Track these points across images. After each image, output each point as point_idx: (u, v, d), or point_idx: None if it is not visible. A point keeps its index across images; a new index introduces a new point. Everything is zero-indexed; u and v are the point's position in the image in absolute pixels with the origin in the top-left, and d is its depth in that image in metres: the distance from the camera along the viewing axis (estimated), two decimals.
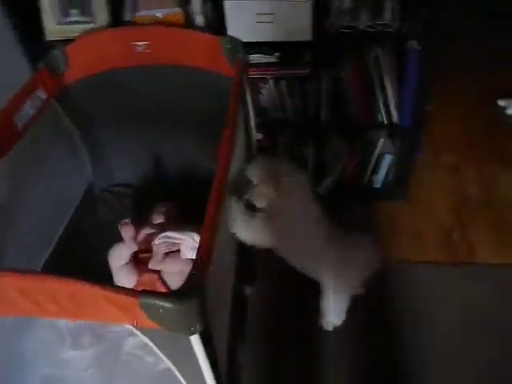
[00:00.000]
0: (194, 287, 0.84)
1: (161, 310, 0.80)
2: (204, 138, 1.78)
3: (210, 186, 1.79)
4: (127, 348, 1.05)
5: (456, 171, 2.24)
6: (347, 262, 1.41)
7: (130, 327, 0.86)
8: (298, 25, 1.56)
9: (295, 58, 1.73)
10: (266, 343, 1.61)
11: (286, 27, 1.57)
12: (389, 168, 2.02)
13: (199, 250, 0.94)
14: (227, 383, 1.17)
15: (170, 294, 0.81)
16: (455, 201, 2.09)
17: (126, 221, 1.51)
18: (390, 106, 1.79)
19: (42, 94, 1.57)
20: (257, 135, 1.91)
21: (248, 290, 1.75)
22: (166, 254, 1.52)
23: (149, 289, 1.46)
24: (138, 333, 0.89)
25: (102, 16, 1.72)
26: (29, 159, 1.45)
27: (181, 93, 1.70)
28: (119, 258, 1.49)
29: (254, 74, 1.74)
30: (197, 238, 1.55)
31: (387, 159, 1.99)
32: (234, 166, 1.45)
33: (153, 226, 1.58)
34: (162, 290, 1.42)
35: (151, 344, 0.92)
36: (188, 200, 1.74)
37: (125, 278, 1.48)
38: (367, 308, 1.61)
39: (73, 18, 1.74)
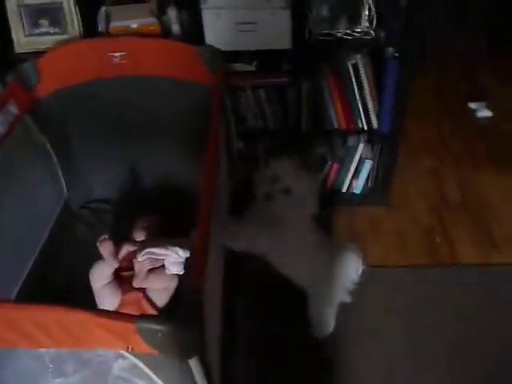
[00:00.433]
0: (192, 310, 0.80)
1: (159, 334, 0.76)
2: (185, 148, 1.76)
3: (192, 197, 1.76)
4: (116, 372, 1.00)
5: (434, 174, 2.27)
6: (333, 270, 1.41)
7: (121, 351, 0.82)
8: (278, 33, 1.55)
9: (274, 67, 1.72)
10: (257, 355, 1.58)
11: (265, 36, 1.56)
12: (369, 173, 2.04)
13: (193, 272, 0.90)
14: None
15: (168, 319, 0.77)
16: (435, 203, 2.12)
17: (105, 237, 1.45)
18: (369, 112, 1.80)
19: (13, 109, 1.51)
20: (237, 144, 1.90)
21: (237, 301, 1.72)
22: (150, 271, 1.47)
23: (134, 307, 1.43)
24: (130, 356, 0.84)
25: (73, 27, 1.66)
26: None
27: (159, 104, 1.67)
28: (101, 276, 1.43)
29: (232, 82, 1.72)
30: (181, 252, 1.51)
31: (367, 165, 2.00)
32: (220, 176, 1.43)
33: (134, 242, 1.53)
34: (148, 308, 1.38)
35: (144, 367, 0.88)
36: (170, 212, 1.71)
37: (107, 298, 1.42)
38: (355, 314, 1.60)
39: (43, 30, 1.68)
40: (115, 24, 1.60)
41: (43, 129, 1.65)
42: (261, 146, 1.95)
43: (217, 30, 1.56)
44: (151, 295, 1.41)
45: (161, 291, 1.44)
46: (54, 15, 1.64)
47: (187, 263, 1.51)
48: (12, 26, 1.66)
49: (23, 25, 1.66)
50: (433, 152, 2.39)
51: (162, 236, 1.61)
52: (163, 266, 1.50)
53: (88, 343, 0.80)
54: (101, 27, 1.61)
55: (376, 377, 1.52)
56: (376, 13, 1.57)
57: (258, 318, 1.66)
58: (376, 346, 1.58)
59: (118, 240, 1.47)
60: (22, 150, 1.56)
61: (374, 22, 1.59)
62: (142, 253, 1.47)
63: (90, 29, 1.66)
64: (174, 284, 1.48)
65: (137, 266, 1.44)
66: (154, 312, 1.37)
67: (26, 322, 0.74)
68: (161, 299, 1.42)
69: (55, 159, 1.75)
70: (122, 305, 1.37)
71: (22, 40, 1.69)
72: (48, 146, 1.71)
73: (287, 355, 1.57)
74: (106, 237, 1.44)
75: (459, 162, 2.34)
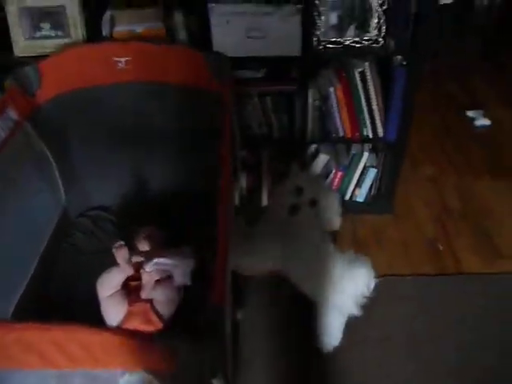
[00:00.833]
0: (215, 327, 0.77)
1: (181, 353, 0.73)
2: (187, 156, 1.72)
3: (194, 204, 1.73)
4: None
5: (435, 183, 2.28)
6: (344, 283, 1.38)
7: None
8: (288, 40, 1.54)
9: (282, 74, 1.71)
10: (263, 368, 1.54)
11: (275, 42, 1.54)
12: (372, 182, 2.03)
13: (214, 291, 0.85)
14: None
15: (190, 338, 0.73)
16: (437, 212, 2.12)
17: (121, 243, 1.42)
18: (375, 120, 1.79)
19: (13, 115, 1.46)
20: (241, 152, 1.87)
21: (240, 315, 1.68)
22: (157, 282, 1.44)
23: (141, 318, 1.38)
24: (145, 374, 0.81)
25: (76, 31, 1.62)
26: None
27: (164, 110, 1.64)
28: (110, 285, 1.40)
29: (239, 89, 1.69)
30: (189, 262, 1.48)
31: (371, 173, 1.99)
32: None
33: (140, 253, 1.49)
34: (155, 319, 1.35)
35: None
36: (171, 220, 1.67)
37: (114, 308, 1.38)
38: (358, 323, 1.58)
39: (44, 33, 1.64)
40: (120, 28, 1.56)
41: (42, 135, 1.60)
42: (265, 154, 1.93)
43: (225, 36, 1.54)
44: (158, 306, 1.38)
45: (167, 302, 1.41)
46: (56, 18, 1.60)
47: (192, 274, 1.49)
48: (11, 28, 1.61)
49: (23, 28, 1.61)
50: (433, 161, 2.40)
51: (165, 246, 1.57)
52: (169, 276, 1.47)
53: (107, 363, 0.76)
54: (105, 31, 1.57)
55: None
56: (385, 21, 1.57)
57: (264, 330, 1.63)
58: (379, 355, 1.57)
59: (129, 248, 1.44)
60: (20, 156, 1.50)
61: (383, 30, 1.59)
62: (150, 263, 1.43)
63: (93, 33, 1.62)
64: (180, 295, 1.45)
65: (144, 277, 1.40)
66: (160, 323, 1.34)
67: (45, 344, 0.70)
68: (167, 311, 1.39)
69: (54, 166, 1.70)
70: (128, 316, 1.33)
71: (21, 43, 1.64)
72: (47, 152, 1.66)
73: (293, 368, 1.54)
74: (123, 243, 1.41)
75: (459, 171, 2.35)
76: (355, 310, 1.39)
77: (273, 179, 1.99)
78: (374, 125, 1.81)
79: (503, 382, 1.52)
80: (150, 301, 1.38)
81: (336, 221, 1.31)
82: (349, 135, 1.83)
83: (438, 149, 2.47)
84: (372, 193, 2.09)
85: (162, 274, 1.45)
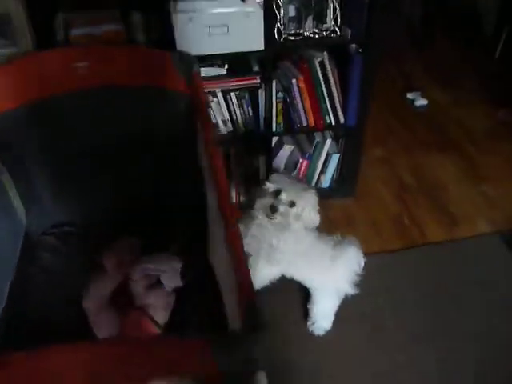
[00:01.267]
0: (259, 324, 0.77)
1: (231, 351, 0.73)
2: (158, 161, 1.68)
3: (162, 212, 1.69)
4: None
5: (388, 162, 2.41)
6: (337, 264, 1.43)
7: None
8: (252, 35, 1.55)
9: (244, 69, 1.72)
10: None
11: (238, 38, 1.54)
12: (335, 167, 2.11)
13: (243, 289, 0.85)
14: None
15: (242, 335, 0.73)
16: (396, 189, 2.25)
17: (107, 249, 1.37)
18: (336, 108, 1.86)
19: None
20: None
21: None
22: (148, 288, 1.41)
23: (137, 327, 1.34)
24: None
25: (25, 38, 1.52)
26: None
27: (131, 116, 1.58)
28: (100, 294, 1.34)
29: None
30: (175, 264, 1.46)
31: (334, 158, 2.06)
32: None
33: (123, 261, 1.46)
34: (151, 326, 1.32)
35: None
36: (139, 230, 1.62)
37: (107, 321, 1.33)
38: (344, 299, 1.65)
39: None
40: (76, 32, 1.49)
41: None
42: (232, 151, 1.93)
43: (188, 34, 1.52)
44: (152, 313, 1.35)
45: (161, 308, 1.39)
46: (1, 26, 1.48)
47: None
48: None
49: None
50: (382, 142, 2.53)
51: (142, 253, 1.54)
52: (159, 281, 1.44)
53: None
54: (59, 36, 1.48)
55: (363, 354, 1.60)
56: (340, 11, 1.63)
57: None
58: (365, 326, 1.66)
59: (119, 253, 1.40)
60: None
61: (339, 21, 1.65)
62: (137, 271, 1.40)
63: (44, 38, 1.52)
64: (172, 299, 1.42)
65: (133, 285, 1.37)
66: (157, 330, 1.31)
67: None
68: (162, 316, 1.36)
69: (12, 186, 1.59)
70: (124, 327, 1.29)
71: None
72: (3, 169, 1.54)
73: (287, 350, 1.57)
74: (110, 249, 1.37)
75: (408, 148, 2.50)
76: (350, 289, 1.45)
77: (241, 175, 2.00)
78: (335, 112, 1.87)
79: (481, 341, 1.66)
80: (143, 309, 1.35)
81: (316, 217, 1.38)
82: (312, 124, 1.89)
83: (385, 130, 2.61)
84: (334, 178, 2.16)
85: (150, 280, 1.42)
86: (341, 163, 2.11)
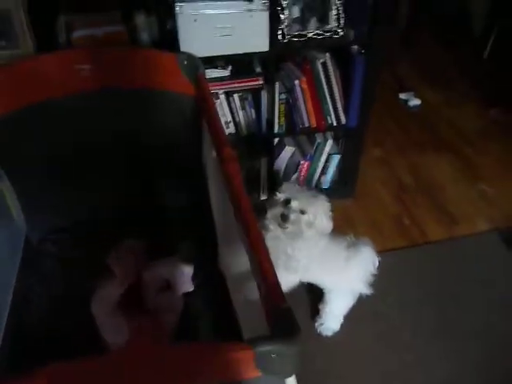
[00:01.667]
0: (294, 326, 0.76)
1: (273, 355, 0.71)
2: (161, 163, 1.66)
3: (170, 216, 1.67)
4: None
5: (385, 163, 2.43)
6: (350, 265, 1.43)
7: None
8: (256, 35, 1.54)
9: (247, 71, 1.71)
10: None
11: (243, 39, 1.53)
12: (336, 168, 2.11)
13: (273, 294, 0.83)
14: None
15: (283, 338, 0.72)
16: (395, 189, 2.27)
17: (117, 254, 1.34)
18: (338, 109, 1.87)
19: None
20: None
21: None
22: (158, 292, 1.39)
23: (147, 333, 1.32)
24: None
25: (25, 39, 1.48)
26: None
27: (136, 119, 1.56)
28: (109, 299, 1.32)
29: None
30: (187, 269, 1.44)
31: (335, 159, 2.07)
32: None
33: (132, 265, 1.43)
34: (160, 331, 1.29)
35: None
36: (143, 234, 1.60)
37: (116, 327, 1.30)
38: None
39: None
40: (79, 33, 1.46)
41: None
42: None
43: (193, 35, 1.50)
44: (161, 317, 1.33)
45: (170, 313, 1.37)
46: (2, 28, 1.44)
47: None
48: None
49: None
50: (379, 142, 2.54)
51: (149, 258, 1.52)
52: (169, 285, 1.42)
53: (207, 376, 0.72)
54: (61, 38, 1.45)
55: (371, 353, 1.61)
56: (344, 12, 1.63)
57: None
58: (370, 326, 1.67)
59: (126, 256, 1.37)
60: None
61: (342, 22, 1.65)
62: (149, 274, 1.38)
63: (45, 41, 1.49)
64: (181, 303, 1.41)
65: (145, 289, 1.34)
66: (167, 334, 1.29)
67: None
68: (171, 319, 1.34)
69: (12, 191, 1.55)
70: (134, 332, 1.27)
71: None
72: (3, 175, 1.51)
73: None
74: (121, 251, 1.34)
75: (404, 149, 2.52)
76: (365, 289, 1.45)
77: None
78: (337, 113, 1.88)
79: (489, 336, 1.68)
80: (153, 313, 1.33)
81: (328, 224, 1.38)
82: (314, 125, 1.89)
83: (381, 130, 2.63)
84: (334, 179, 2.17)
85: (161, 283, 1.40)
86: (341, 164, 2.11)
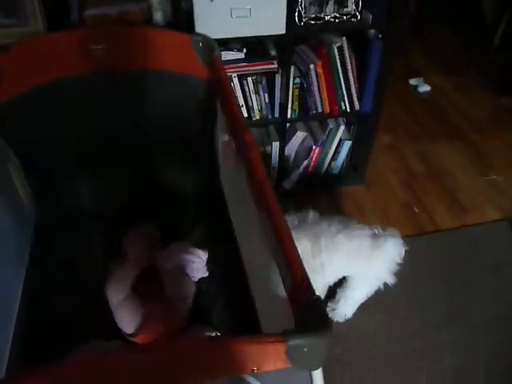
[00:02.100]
0: (326, 318, 0.75)
1: (305, 349, 0.71)
2: (175, 150, 1.63)
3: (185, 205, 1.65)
4: None
5: (395, 150, 2.41)
6: (376, 254, 1.42)
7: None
8: (273, 17, 1.50)
9: (262, 54, 1.67)
10: None
11: (260, 21, 1.49)
12: (346, 154, 2.09)
13: (301, 286, 0.82)
14: None
15: (315, 331, 0.71)
16: (405, 177, 2.25)
17: (133, 235, 1.33)
18: (352, 94, 1.84)
19: None
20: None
21: None
22: (175, 278, 1.38)
23: (159, 320, 1.31)
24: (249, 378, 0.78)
25: (35, 17, 1.44)
26: None
27: (149, 101, 1.53)
28: (123, 283, 1.31)
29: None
30: (202, 254, 1.43)
31: (346, 145, 2.05)
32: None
33: (148, 250, 1.42)
34: (175, 317, 1.28)
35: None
36: (153, 219, 1.58)
37: (130, 313, 1.30)
38: None
39: None
40: (91, 12, 1.41)
41: (6, 138, 1.42)
42: None
43: (209, 16, 1.46)
44: (175, 303, 1.32)
45: (185, 298, 1.36)
46: (10, 4, 1.39)
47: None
48: None
49: None
50: (389, 129, 2.52)
51: (162, 243, 1.50)
52: (182, 272, 1.41)
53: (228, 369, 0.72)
54: (74, 16, 1.41)
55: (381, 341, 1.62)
56: None
57: None
58: (381, 313, 1.67)
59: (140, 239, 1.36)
60: None
61: (360, 5, 1.61)
62: (162, 260, 1.37)
63: (56, 18, 1.44)
64: (194, 289, 1.40)
65: (166, 274, 1.33)
66: (180, 321, 1.28)
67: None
68: (185, 306, 1.34)
69: (21, 173, 1.52)
70: (147, 318, 1.26)
71: None
72: (12, 157, 1.48)
73: None
74: (134, 236, 1.33)
75: (415, 136, 2.50)
76: (389, 279, 1.44)
77: None
78: (351, 98, 1.85)
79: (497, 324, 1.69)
80: (166, 298, 1.32)
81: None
82: (328, 110, 1.86)
83: (391, 116, 2.60)
84: (344, 165, 2.15)
85: (175, 269, 1.40)
86: (352, 150, 2.09)
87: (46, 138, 1.51)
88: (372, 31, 1.71)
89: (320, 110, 1.86)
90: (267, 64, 1.68)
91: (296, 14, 1.57)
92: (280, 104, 1.80)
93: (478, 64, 3.03)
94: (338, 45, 1.71)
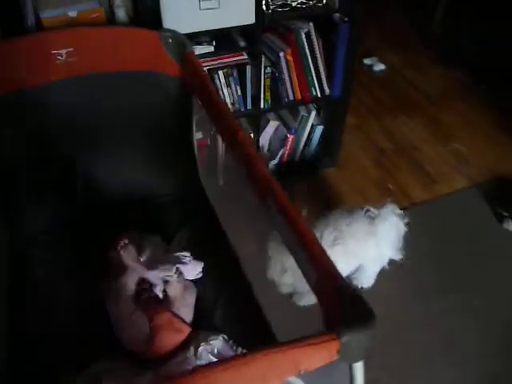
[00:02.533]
0: (370, 311, 0.74)
1: (355, 344, 0.70)
2: (153, 155, 1.57)
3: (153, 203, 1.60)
4: None
5: (361, 130, 2.45)
6: (381, 231, 1.44)
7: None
8: (243, 7, 1.46)
9: (231, 46, 1.63)
10: None
11: (230, 12, 1.45)
12: (319, 139, 2.10)
13: (333, 279, 0.81)
14: None
15: (363, 324, 0.70)
16: (375, 155, 2.30)
17: (125, 242, 1.25)
18: (321, 79, 1.84)
19: None
20: (197, 134, 1.77)
21: None
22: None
23: (169, 330, 1.27)
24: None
25: None
26: None
27: (120, 105, 1.45)
28: (125, 293, 1.24)
29: None
30: (187, 254, 1.38)
31: (318, 131, 2.06)
32: None
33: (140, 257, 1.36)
34: (182, 325, 1.24)
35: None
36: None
37: (136, 326, 1.23)
38: None
39: None
40: (49, 14, 1.31)
41: None
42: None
43: (177, 10, 1.40)
44: (179, 312, 1.27)
45: (188, 306, 1.32)
46: None
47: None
48: None
49: None
50: (351, 110, 2.54)
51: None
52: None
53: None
54: (30, 21, 1.29)
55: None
56: None
57: None
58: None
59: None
60: None
61: None
62: (173, 271, 1.31)
63: (9, 25, 1.32)
64: (194, 294, 1.36)
65: (173, 286, 1.27)
66: (188, 328, 1.23)
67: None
68: (189, 313, 1.30)
69: None
70: (154, 330, 1.20)
71: None
72: None
73: None
74: (126, 241, 1.25)
75: (375, 114, 2.56)
76: (396, 255, 1.46)
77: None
78: (321, 83, 1.85)
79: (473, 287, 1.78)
80: (170, 309, 1.27)
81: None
82: (299, 97, 1.85)
83: (352, 97, 2.63)
84: (317, 150, 2.16)
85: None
86: (323, 135, 2.10)
87: (15, 150, 1.40)
88: (337, 15, 1.71)
89: (292, 98, 1.84)
90: (237, 56, 1.64)
91: (263, 1, 1.53)
92: (252, 95, 1.77)
93: (424, 40, 3.13)
94: (305, 31, 1.70)
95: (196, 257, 1.42)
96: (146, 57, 1.40)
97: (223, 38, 1.61)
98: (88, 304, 1.27)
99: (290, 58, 1.72)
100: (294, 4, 1.60)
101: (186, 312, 1.29)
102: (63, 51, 1.28)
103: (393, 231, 1.44)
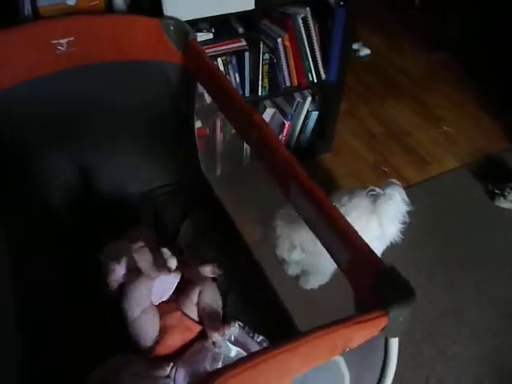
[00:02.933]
0: (408, 284, 0.76)
1: (401, 319, 0.72)
2: (156, 145, 1.55)
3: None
4: None
5: (352, 115, 2.47)
6: (384, 211, 1.46)
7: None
8: None
9: (229, 32, 1.61)
10: None
11: None
12: (314, 125, 2.11)
13: (369, 257, 0.83)
14: None
15: (406, 298, 0.72)
16: (367, 140, 2.33)
17: (140, 245, 1.22)
18: (318, 65, 1.84)
19: None
20: (196, 123, 1.75)
21: None
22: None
23: (179, 328, 1.25)
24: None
25: None
26: None
27: (122, 95, 1.42)
28: (141, 299, 1.21)
29: None
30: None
31: (313, 116, 2.06)
32: None
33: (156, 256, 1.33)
34: (192, 324, 1.22)
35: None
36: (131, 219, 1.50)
37: (149, 325, 1.21)
38: None
39: None
40: (46, 2, 1.26)
41: None
42: (217, 120, 1.84)
43: None
44: (186, 310, 1.25)
45: (194, 303, 1.29)
46: None
47: None
48: None
49: None
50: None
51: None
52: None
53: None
54: (27, 10, 1.24)
55: None
56: None
57: None
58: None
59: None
60: None
61: None
62: (202, 271, 1.29)
63: (4, 16, 1.26)
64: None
65: (197, 285, 1.25)
66: (198, 326, 1.22)
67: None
68: (195, 311, 1.28)
69: None
70: (165, 330, 1.19)
71: None
72: None
73: None
74: (142, 244, 1.22)
75: (365, 99, 2.58)
76: (398, 236, 1.48)
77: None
78: (317, 69, 1.85)
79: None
80: (179, 307, 1.25)
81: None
82: (296, 83, 1.85)
83: None
84: (312, 135, 2.17)
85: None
86: (318, 120, 2.11)
87: (12, 146, 1.36)
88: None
89: (288, 84, 1.84)
90: (236, 42, 1.63)
91: None
92: (250, 82, 1.76)
93: (405, 24, 3.17)
94: (302, 16, 1.69)
95: (203, 247, 1.42)
96: (147, 45, 1.37)
97: (222, 25, 1.59)
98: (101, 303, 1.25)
99: (287, 43, 1.72)
100: None
101: (193, 309, 1.27)
102: (63, 41, 1.24)
103: (397, 209, 1.46)
